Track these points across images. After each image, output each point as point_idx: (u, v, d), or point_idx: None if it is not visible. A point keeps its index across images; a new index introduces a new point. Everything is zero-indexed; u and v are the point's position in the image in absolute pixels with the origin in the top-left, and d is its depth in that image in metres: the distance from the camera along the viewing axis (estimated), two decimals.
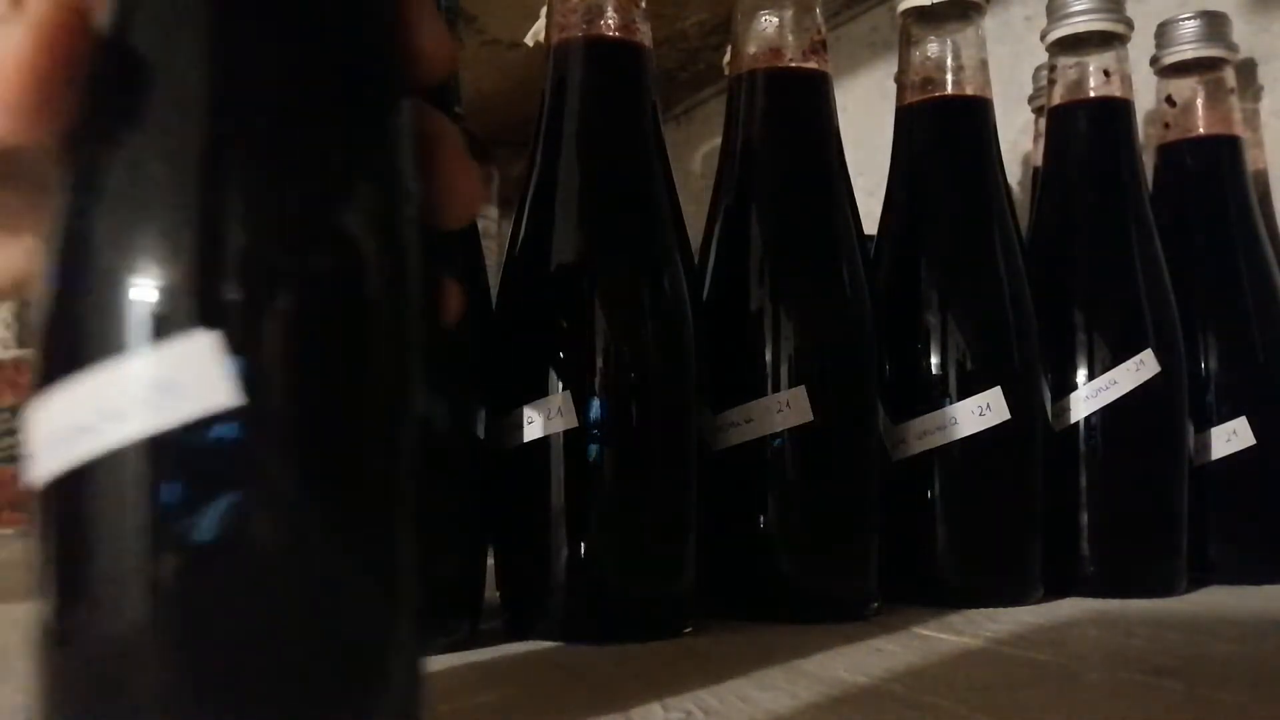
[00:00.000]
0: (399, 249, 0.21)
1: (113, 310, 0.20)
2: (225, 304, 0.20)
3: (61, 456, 0.20)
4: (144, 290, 0.20)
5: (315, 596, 0.21)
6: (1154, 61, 0.57)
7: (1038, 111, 0.68)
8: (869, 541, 0.45)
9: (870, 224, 0.51)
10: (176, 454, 0.19)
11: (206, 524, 0.20)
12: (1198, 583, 0.52)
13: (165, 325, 0.20)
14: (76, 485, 0.20)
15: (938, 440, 0.47)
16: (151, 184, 0.20)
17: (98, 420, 0.20)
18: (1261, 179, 0.63)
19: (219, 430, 0.20)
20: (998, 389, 0.47)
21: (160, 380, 0.19)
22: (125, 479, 0.20)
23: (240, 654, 0.20)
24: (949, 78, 0.50)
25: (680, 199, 0.45)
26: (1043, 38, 0.53)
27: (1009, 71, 0.72)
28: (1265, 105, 0.66)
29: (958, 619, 0.44)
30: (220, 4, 0.20)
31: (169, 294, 0.20)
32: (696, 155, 1.11)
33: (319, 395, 0.21)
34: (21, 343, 0.96)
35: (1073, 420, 0.50)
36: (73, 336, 0.20)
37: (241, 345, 0.19)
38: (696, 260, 0.48)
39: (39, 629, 0.21)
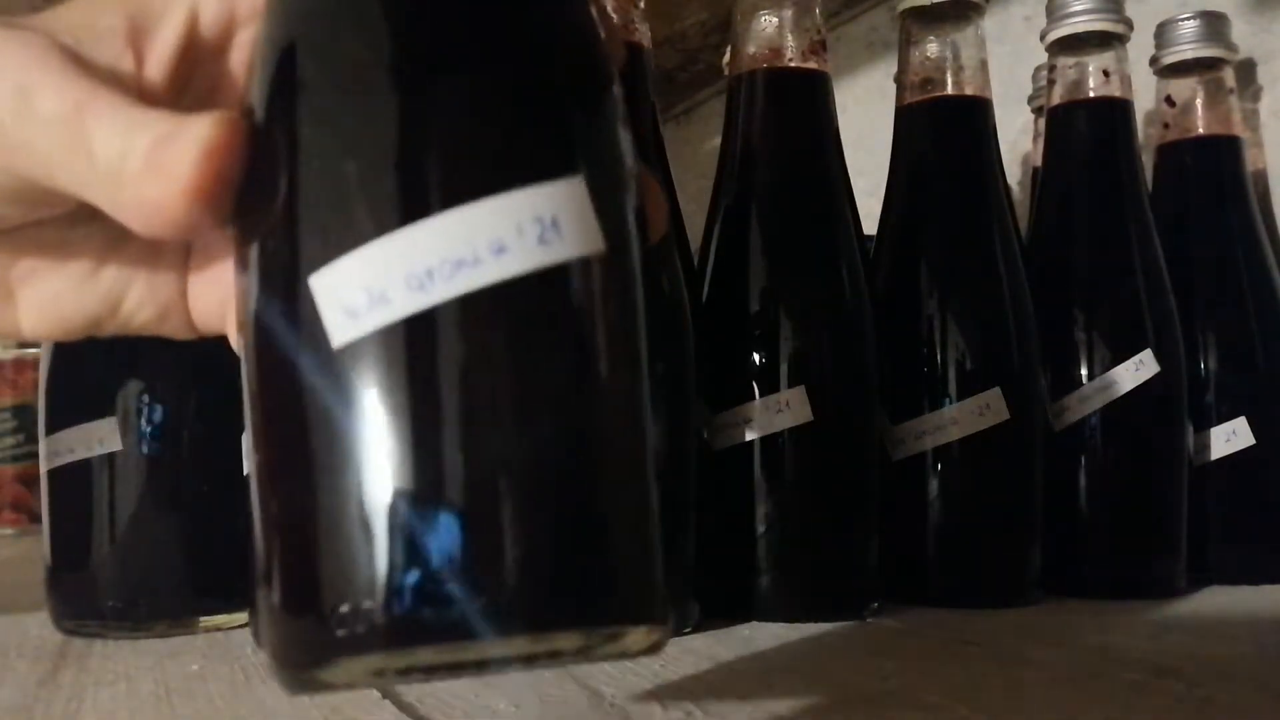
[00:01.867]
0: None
1: (485, 146, 0.20)
2: (592, 152, 0.21)
3: (432, 294, 0.19)
4: (526, 125, 0.20)
5: (632, 444, 0.21)
6: (1153, 62, 0.57)
7: (1037, 112, 0.68)
8: (868, 541, 0.45)
9: (870, 224, 0.51)
10: (554, 290, 0.19)
11: (567, 363, 0.20)
12: (1197, 583, 0.52)
13: (543, 165, 0.20)
14: (448, 321, 0.19)
15: (937, 440, 0.47)
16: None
17: (485, 253, 0.19)
18: (1261, 179, 0.63)
19: (591, 273, 0.20)
20: (997, 389, 0.47)
21: (542, 218, 0.19)
22: (507, 313, 0.19)
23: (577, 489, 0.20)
24: (948, 78, 0.50)
25: (680, 199, 0.45)
26: (1042, 38, 0.53)
27: (1008, 71, 0.72)
28: (1264, 105, 0.66)
29: (958, 619, 0.43)
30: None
31: (552, 131, 0.20)
32: (696, 155, 1.11)
33: (634, 245, 0.21)
34: (21, 342, 0.96)
35: (1072, 420, 0.50)
36: (417, 177, 0.19)
37: (598, 193, 0.20)
38: (696, 260, 0.48)
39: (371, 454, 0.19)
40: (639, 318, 0.21)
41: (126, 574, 0.42)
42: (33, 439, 0.90)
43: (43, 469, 0.43)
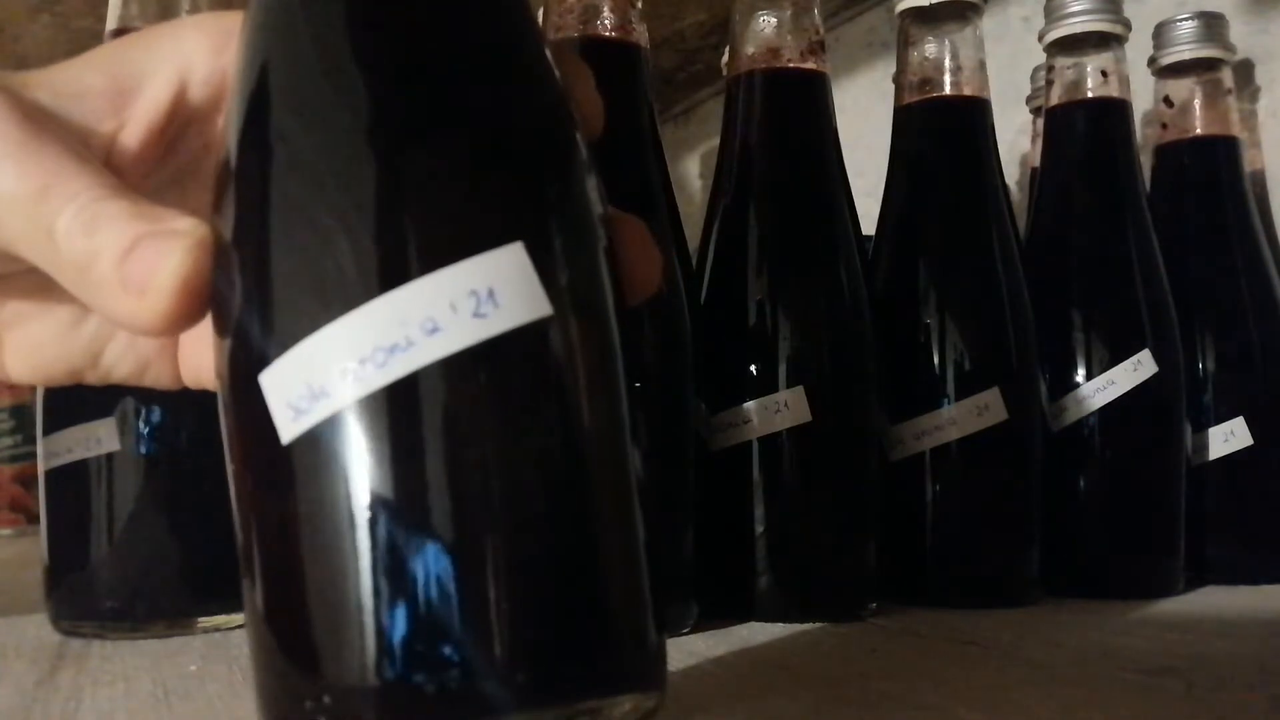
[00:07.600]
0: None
1: (413, 228, 0.19)
2: (534, 215, 0.20)
3: (368, 382, 0.18)
4: (455, 203, 0.20)
5: (606, 513, 0.20)
6: (1152, 62, 0.57)
7: (1035, 112, 0.68)
8: (867, 542, 0.45)
9: (869, 224, 0.51)
10: (498, 362, 0.19)
11: (521, 433, 0.19)
12: (1195, 583, 0.52)
13: (475, 237, 0.19)
14: (388, 408, 0.18)
15: (936, 440, 0.47)
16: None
17: (418, 335, 0.18)
18: (1259, 179, 0.63)
19: (537, 339, 0.19)
20: (996, 389, 0.47)
21: (477, 291, 0.19)
22: (447, 393, 0.19)
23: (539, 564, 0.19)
24: (947, 78, 0.50)
25: (678, 199, 0.45)
26: (1040, 38, 0.53)
27: (1007, 72, 0.72)
28: (1263, 105, 0.66)
29: (957, 619, 0.43)
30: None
31: (482, 201, 0.20)
32: (695, 156, 1.11)
33: (599, 297, 0.21)
34: None
35: (1070, 420, 0.50)
36: (342, 266, 0.19)
37: (543, 255, 0.20)
38: (695, 261, 0.48)
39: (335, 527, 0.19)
40: (609, 373, 0.21)
41: (124, 574, 0.42)
42: (31, 439, 0.90)
43: (41, 469, 0.43)
